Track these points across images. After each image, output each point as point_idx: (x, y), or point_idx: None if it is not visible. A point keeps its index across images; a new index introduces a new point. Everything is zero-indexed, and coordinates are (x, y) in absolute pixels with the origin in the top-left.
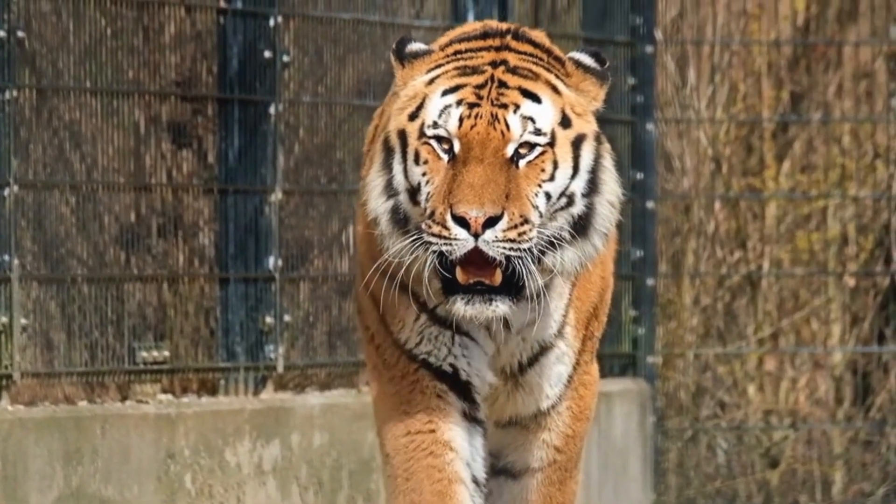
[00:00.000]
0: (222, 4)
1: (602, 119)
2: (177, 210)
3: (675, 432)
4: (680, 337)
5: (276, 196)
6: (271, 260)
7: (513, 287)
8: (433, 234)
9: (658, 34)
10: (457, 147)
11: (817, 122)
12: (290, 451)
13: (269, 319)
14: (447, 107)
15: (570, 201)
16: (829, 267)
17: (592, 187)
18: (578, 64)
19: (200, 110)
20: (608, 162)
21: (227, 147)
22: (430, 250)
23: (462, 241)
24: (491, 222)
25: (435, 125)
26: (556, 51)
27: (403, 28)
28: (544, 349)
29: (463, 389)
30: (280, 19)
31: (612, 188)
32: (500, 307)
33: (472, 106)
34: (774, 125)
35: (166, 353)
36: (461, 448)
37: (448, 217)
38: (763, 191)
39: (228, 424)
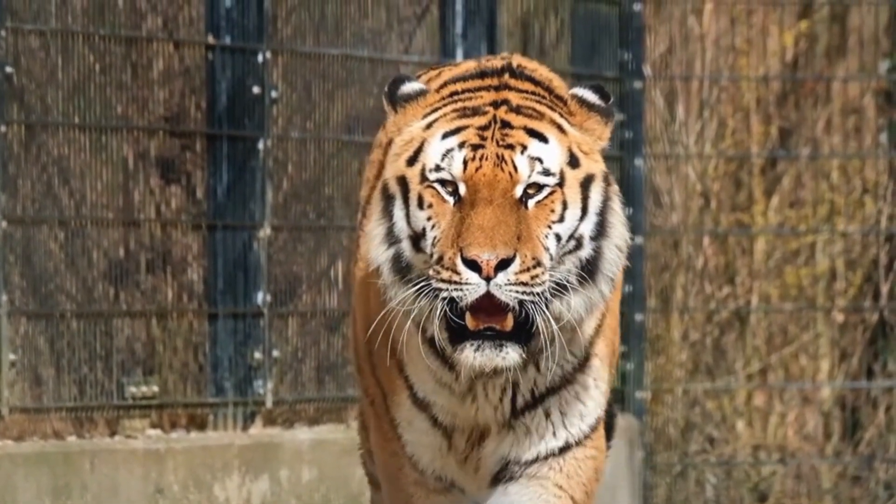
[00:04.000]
0: (211, 40)
1: None
2: (165, 245)
3: (663, 467)
4: (669, 372)
5: (265, 231)
6: (260, 295)
7: (523, 333)
8: (442, 280)
9: (647, 70)
10: (462, 190)
11: (806, 158)
12: (280, 487)
13: (257, 355)
14: (449, 150)
15: (579, 244)
16: (818, 302)
17: (601, 230)
18: (582, 101)
19: (189, 146)
20: (617, 204)
21: (215, 182)
22: (439, 297)
23: (473, 285)
24: (503, 265)
25: (437, 168)
26: (557, 86)
27: (392, 64)
28: (565, 381)
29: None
30: (269, 55)
31: (620, 232)
32: (511, 355)
33: (475, 147)
34: (763, 160)
35: (155, 389)
36: None
37: (458, 261)
38: (752, 226)
39: (217, 460)
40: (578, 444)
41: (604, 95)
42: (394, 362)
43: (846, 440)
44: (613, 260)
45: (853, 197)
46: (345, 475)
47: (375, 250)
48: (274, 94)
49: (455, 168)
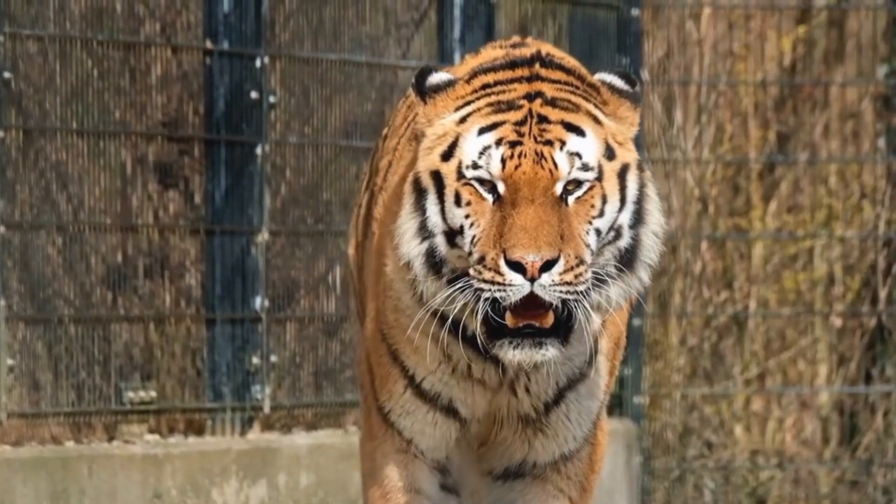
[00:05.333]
0: (209, 45)
1: None
2: (163, 251)
3: (661, 472)
4: (667, 377)
5: (263, 237)
6: (258, 300)
7: (562, 328)
8: (484, 280)
9: (644, 74)
10: (501, 188)
11: (804, 163)
12: (277, 492)
13: (255, 360)
14: (486, 147)
15: (618, 235)
16: (816, 307)
17: (638, 218)
18: (612, 88)
19: (187, 151)
20: (651, 191)
21: (213, 188)
22: (481, 298)
23: (517, 286)
24: (547, 266)
25: (475, 166)
26: (587, 74)
27: (390, 69)
28: (573, 382)
29: (442, 468)
30: (266, 60)
31: (656, 218)
32: (551, 350)
33: (513, 144)
34: (761, 165)
35: (153, 394)
36: None
37: (501, 262)
38: (750, 231)
39: (215, 465)
40: (582, 444)
41: (630, 81)
42: (389, 351)
43: (844, 445)
44: (651, 246)
45: (851, 202)
46: (343, 480)
47: (407, 244)
48: (272, 99)
49: (493, 166)
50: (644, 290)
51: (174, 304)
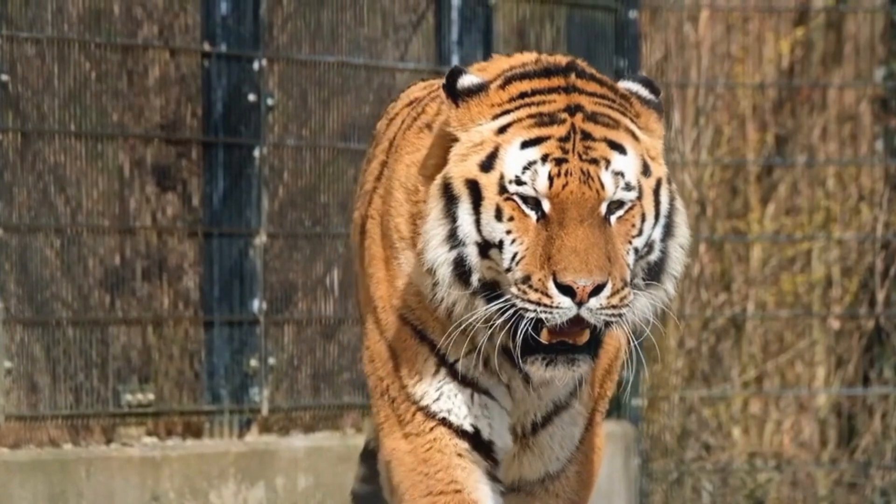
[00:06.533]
0: (207, 48)
1: None
2: (161, 253)
3: (659, 474)
4: (665, 379)
5: (261, 239)
6: (256, 303)
7: (594, 343)
8: (529, 301)
9: None
10: (546, 206)
11: (802, 165)
12: (275, 494)
13: (253, 362)
14: (531, 163)
15: (650, 249)
16: (814, 309)
17: (668, 231)
18: (640, 99)
19: (185, 153)
20: (679, 203)
21: (211, 190)
22: (525, 317)
23: (564, 309)
24: (597, 290)
25: (518, 181)
26: (616, 85)
27: (388, 71)
28: (559, 408)
29: (485, 449)
30: (264, 62)
31: (683, 231)
32: (583, 367)
33: (559, 162)
34: (759, 168)
35: (151, 396)
36: None
37: (550, 284)
38: (748, 233)
39: (213, 467)
40: (570, 461)
41: (654, 89)
42: (415, 332)
43: (842, 447)
44: (678, 259)
45: (849, 204)
46: (340, 482)
47: (434, 251)
48: (270, 101)
49: (540, 184)
50: (669, 302)
51: (172, 307)
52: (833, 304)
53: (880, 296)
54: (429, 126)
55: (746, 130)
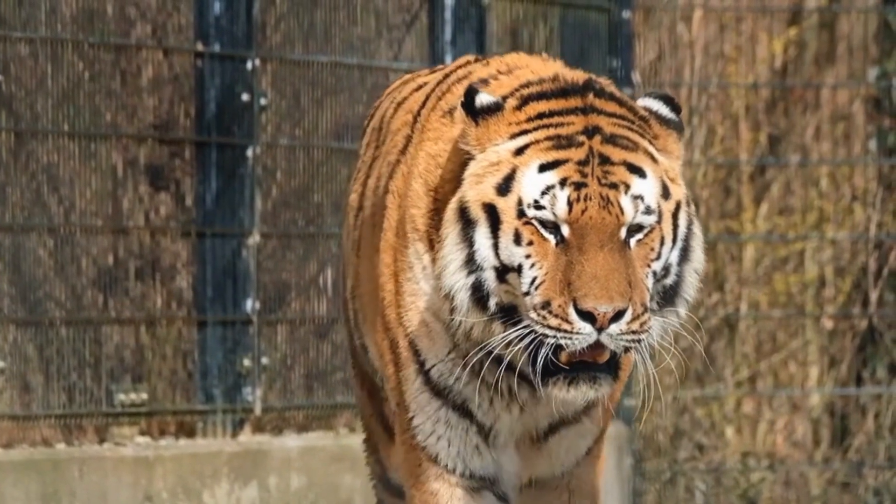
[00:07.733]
0: (200, 47)
1: None
2: (154, 253)
3: (653, 474)
4: (658, 379)
5: (254, 239)
6: (249, 302)
7: (613, 362)
8: (549, 327)
9: (636, 77)
10: (566, 231)
11: (795, 165)
12: (268, 494)
13: (246, 362)
14: (550, 187)
15: (666, 273)
16: (807, 309)
17: (684, 256)
18: (659, 118)
19: (178, 153)
20: (697, 227)
21: (204, 190)
22: (545, 343)
23: (585, 335)
24: (617, 316)
25: (537, 206)
26: (635, 104)
27: (381, 71)
28: (565, 422)
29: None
30: (258, 62)
31: (699, 256)
32: (605, 386)
33: (578, 186)
34: (752, 168)
35: (144, 396)
36: None
37: (571, 311)
38: (741, 233)
39: (206, 467)
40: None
41: (675, 107)
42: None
43: (835, 447)
44: (692, 283)
45: (842, 204)
46: (334, 482)
47: (452, 276)
48: (263, 101)
49: (559, 208)
50: (679, 326)
51: (165, 307)
52: (826, 304)
53: (873, 296)
54: (451, 112)
55: (739, 130)
